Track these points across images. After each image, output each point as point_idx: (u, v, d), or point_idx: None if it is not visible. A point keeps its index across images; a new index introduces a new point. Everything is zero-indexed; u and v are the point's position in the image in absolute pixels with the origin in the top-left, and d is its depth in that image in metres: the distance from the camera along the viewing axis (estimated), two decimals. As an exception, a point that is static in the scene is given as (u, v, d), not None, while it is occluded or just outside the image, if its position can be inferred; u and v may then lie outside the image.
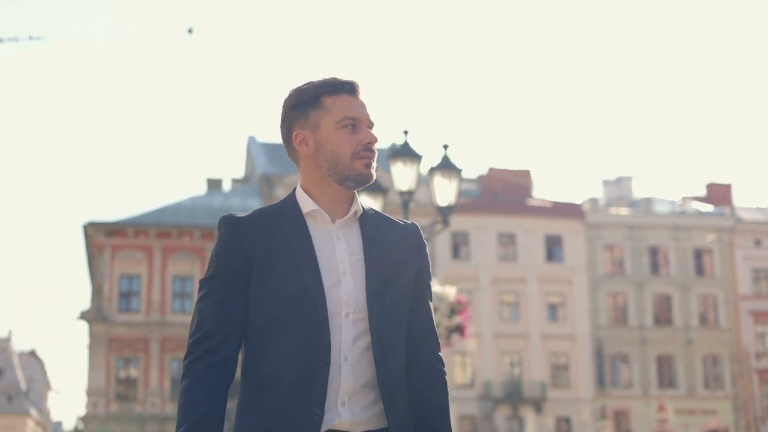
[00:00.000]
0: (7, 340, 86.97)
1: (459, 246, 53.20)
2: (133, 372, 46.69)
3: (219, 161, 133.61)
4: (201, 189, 57.04)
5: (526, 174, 57.85)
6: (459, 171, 11.98)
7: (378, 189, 12.43)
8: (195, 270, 47.19)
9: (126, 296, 47.43)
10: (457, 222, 52.85)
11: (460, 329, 10.85)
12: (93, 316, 46.34)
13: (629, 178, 60.58)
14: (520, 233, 53.69)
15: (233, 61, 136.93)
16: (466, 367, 51.77)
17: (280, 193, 49.41)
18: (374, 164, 2.68)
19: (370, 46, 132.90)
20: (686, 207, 57.77)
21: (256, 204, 50.42)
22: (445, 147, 12.43)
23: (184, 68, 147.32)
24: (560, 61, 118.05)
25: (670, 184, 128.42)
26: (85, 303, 46.68)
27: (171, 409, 45.60)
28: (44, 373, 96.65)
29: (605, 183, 60.63)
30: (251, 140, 57.33)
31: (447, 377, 2.82)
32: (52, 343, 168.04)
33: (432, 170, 12.15)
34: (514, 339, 52.44)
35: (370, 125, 2.68)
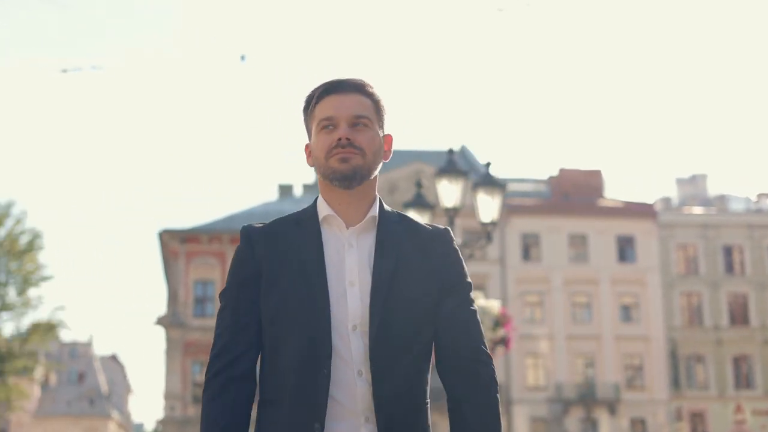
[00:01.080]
0: (89, 344, 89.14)
1: (529, 248, 53.09)
2: (209, 376, 47.52)
3: (290, 167, 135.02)
4: (273, 195, 57.81)
5: (597, 174, 57.47)
6: (502, 187, 12.18)
7: (425, 205, 12.69)
8: (267, 275, 47.91)
9: (200, 301, 48.36)
10: (528, 224, 52.82)
11: (504, 341, 11.06)
12: (169, 322, 47.36)
13: (704, 176, 59.79)
14: (592, 234, 53.36)
15: (303, 69, 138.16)
16: (538, 368, 51.65)
17: (350, 198, 49.84)
18: (354, 157, 2.57)
19: (429, 57, 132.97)
20: (762, 204, 56.82)
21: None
22: (488, 165, 12.64)
23: (257, 77, 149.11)
24: (632, 58, 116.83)
25: (746, 181, 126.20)
26: (162, 308, 47.59)
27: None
28: (124, 377, 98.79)
29: (678, 181, 59.92)
30: (320, 146, 57.88)
31: (497, 387, 2.65)
32: (132, 347, 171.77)
33: (475, 186, 12.36)
34: (587, 340, 52.15)
35: (353, 121, 2.60)
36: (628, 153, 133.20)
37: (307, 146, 2.69)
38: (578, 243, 53.53)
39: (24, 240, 48.59)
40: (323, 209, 2.63)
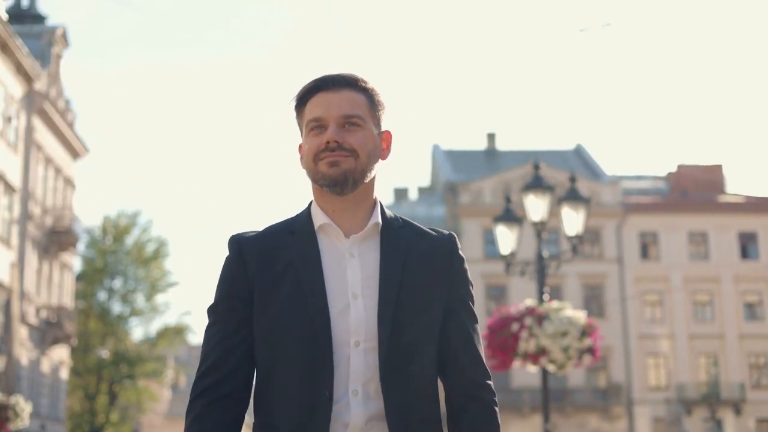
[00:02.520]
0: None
1: (648, 246, 52.39)
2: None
3: (406, 170, 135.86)
4: (388, 199, 58.43)
5: (717, 169, 56.33)
6: (586, 202, 12.39)
7: (513, 219, 13.00)
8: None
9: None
10: (646, 222, 52.13)
11: (591, 350, 11.29)
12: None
13: (830, 168, 57.96)
14: (712, 231, 52.34)
15: (417, 68, 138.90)
16: (659, 368, 50.97)
17: (464, 200, 50.17)
18: (345, 161, 2.38)
19: (548, 56, 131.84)
20: None
21: (440, 212, 51.39)
22: (572, 180, 12.87)
23: (372, 77, 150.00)
24: (751, 48, 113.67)
25: None
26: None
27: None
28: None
29: (804, 174, 58.24)
30: (435, 148, 58.36)
31: (497, 408, 2.49)
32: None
33: (560, 201, 12.60)
34: (710, 340, 51.18)
35: (343, 121, 2.41)
36: (752, 147, 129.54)
37: (300, 146, 2.49)
38: (698, 240, 52.57)
39: (150, 248, 50.47)
40: (318, 217, 2.44)
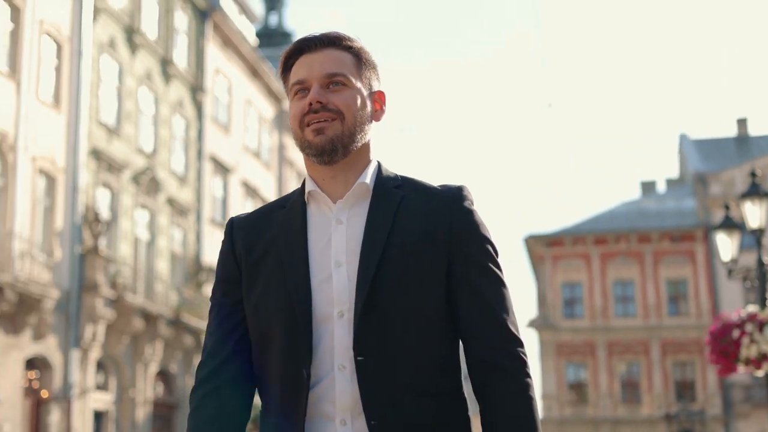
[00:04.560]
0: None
1: None
2: (583, 376, 48.38)
3: (653, 163, 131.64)
4: (635, 193, 57.38)
5: None
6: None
7: (733, 225, 12.82)
8: (634, 274, 48.03)
9: (569, 303, 49.25)
10: None
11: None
12: (540, 324, 48.74)
13: None
14: None
15: (663, 56, 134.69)
16: None
17: (716, 191, 48.53)
18: (330, 126, 2.20)
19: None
20: None
21: (690, 205, 50.00)
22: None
23: (617, 71, 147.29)
24: None
25: None
26: (533, 311, 49.09)
27: (623, 411, 46.72)
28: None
29: None
30: (683, 138, 56.70)
31: (528, 379, 2.18)
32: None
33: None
34: None
35: (326, 81, 2.23)
36: None
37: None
38: None
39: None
40: (308, 186, 2.28)
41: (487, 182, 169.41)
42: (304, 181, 2.32)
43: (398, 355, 2.13)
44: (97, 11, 27.06)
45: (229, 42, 35.39)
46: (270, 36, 52.15)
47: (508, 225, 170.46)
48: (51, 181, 24.89)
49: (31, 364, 23.62)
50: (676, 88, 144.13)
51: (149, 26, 30.23)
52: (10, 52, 23.67)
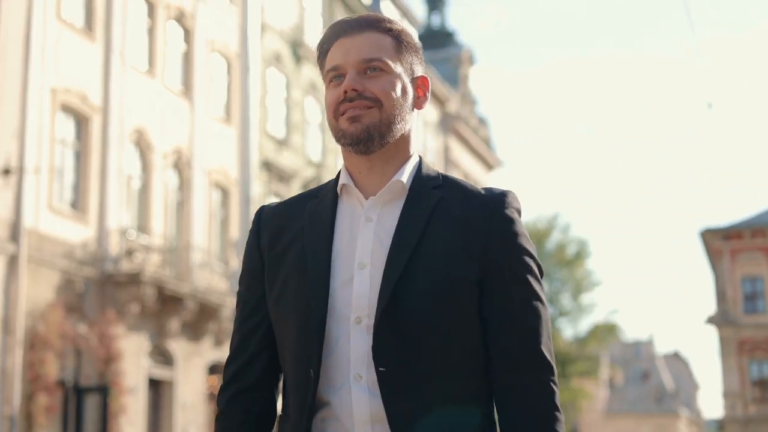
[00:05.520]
0: (650, 343, 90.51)
1: None
2: (767, 373, 46.54)
3: None
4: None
5: None
6: None
7: None
8: (818, 266, 45.89)
9: (750, 298, 47.45)
10: None
11: None
12: (720, 320, 47.15)
13: None
14: None
15: None
16: None
17: None
18: (367, 113, 2.04)
19: None
20: None
21: None
22: None
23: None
24: None
25: None
26: (712, 306, 47.57)
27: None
28: (690, 374, 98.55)
29: None
30: None
31: (555, 398, 2.01)
32: (691, 344, 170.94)
33: None
34: None
35: (363, 66, 2.06)
36: None
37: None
38: None
39: (572, 249, 51.37)
40: (343, 178, 2.12)
41: (660, 177, 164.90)
42: (339, 172, 2.16)
43: (421, 368, 1.97)
44: (264, 27, 27.93)
45: (392, 48, 35.67)
46: (433, 37, 52.06)
47: (682, 219, 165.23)
48: (225, 193, 25.85)
49: (213, 370, 24.53)
50: None
51: (313, 38, 30.98)
52: (183, 71, 24.72)
